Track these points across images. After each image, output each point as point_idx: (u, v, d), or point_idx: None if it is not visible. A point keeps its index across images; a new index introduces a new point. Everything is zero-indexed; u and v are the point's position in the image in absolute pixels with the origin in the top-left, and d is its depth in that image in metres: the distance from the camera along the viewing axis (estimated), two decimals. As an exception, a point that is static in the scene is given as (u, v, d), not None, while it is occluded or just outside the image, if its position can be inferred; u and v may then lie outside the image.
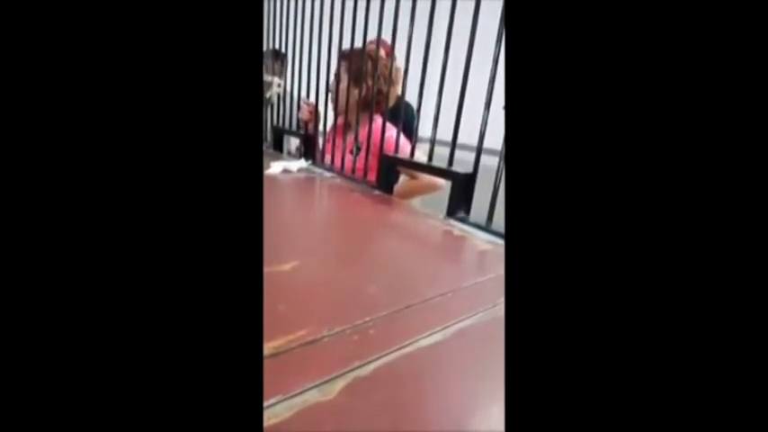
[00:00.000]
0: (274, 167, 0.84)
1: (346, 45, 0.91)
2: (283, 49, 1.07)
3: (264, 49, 1.22)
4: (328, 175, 0.88)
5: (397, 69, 0.86)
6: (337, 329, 0.28)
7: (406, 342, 0.28)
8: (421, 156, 0.76)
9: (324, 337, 0.27)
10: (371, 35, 0.84)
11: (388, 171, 0.78)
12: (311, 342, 0.26)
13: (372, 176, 0.83)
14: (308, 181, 0.83)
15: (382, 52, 0.87)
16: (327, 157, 0.99)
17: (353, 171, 0.90)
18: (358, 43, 0.90)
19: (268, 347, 0.25)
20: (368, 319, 0.30)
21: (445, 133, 0.66)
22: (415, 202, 1.01)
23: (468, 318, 0.32)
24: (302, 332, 0.27)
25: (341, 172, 0.90)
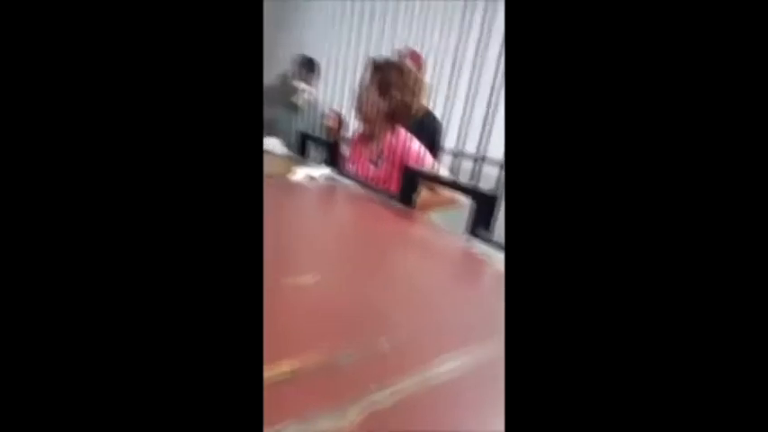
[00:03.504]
0: (298, 173, 0.84)
1: (371, 55, 0.91)
2: (315, 58, 1.08)
3: (296, 55, 1.24)
4: (350, 183, 0.88)
5: (425, 82, 0.86)
6: (355, 352, 0.27)
7: (426, 369, 0.27)
8: (444, 170, 0.76)
9: (341, 359, 0.26)
10: (402, 46, 0.84)
11: (410, 184, 0.77)
12: (327, 364, 0.26)
13: (393, 187, 0.82)
14: (330, 188, 0.83)
15: (412, 64, 0.87)
16: (350, 166, 0.99)
17: (374, 181, 0.90)
18: (386, 54, 0.90)
19: (282, 368, 0.25)
20: (387, 342, 0.29)
21: (471, 146, 0.65)
22: (435, 215, 1.00)
23: (490, 344, 0.31)
24: (319, 352, 0.26)
25: (362, 181, 0.90)
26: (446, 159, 0.72)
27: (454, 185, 0.67)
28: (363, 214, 0.69)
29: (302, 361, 0.25)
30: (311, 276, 0.38)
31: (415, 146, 0.79)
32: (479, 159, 0.64)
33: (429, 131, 0.84)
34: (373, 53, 0.91)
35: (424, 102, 0.95)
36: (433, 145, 0.90)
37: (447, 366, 0.28)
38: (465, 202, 0.68)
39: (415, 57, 0.87)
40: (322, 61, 1.03)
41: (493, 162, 0.62)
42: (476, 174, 0.64)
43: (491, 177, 0.62)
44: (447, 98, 0.70)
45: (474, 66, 0.63)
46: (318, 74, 1.14)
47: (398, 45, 0.83)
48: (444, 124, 0.72)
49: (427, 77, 0.83)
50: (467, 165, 0.67)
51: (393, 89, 0.97)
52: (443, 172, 0.74)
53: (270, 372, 0.24)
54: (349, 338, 0.29)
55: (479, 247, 0.56)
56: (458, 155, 0.69)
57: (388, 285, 0.40)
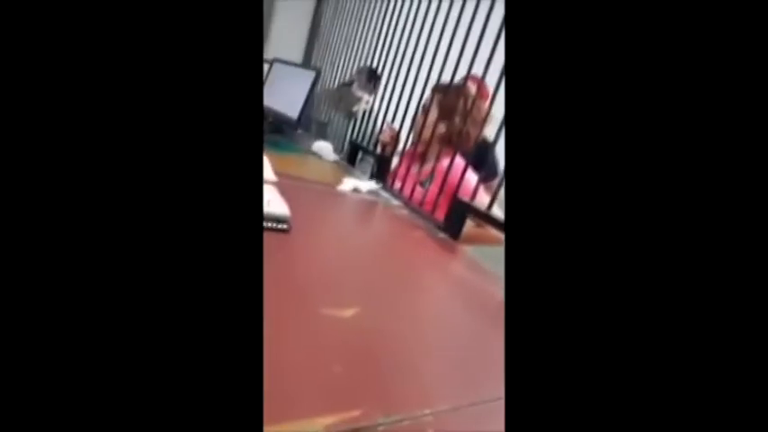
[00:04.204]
0: (346, 184, 0.84)
1: (440, 77, 0.90)
2: (380, 70, 1.08)
3: (362, 65, 1.25)
4: (395, 202, 0.87)
5: (490, 113, 0.83)
6: (393, 417, 0.25)
7: (468, 458, 0.24)
8: (499, 210, 0.72)
9: (378, 424, 0.24)
10: (471, 73, 0.81)
11: (459, 217, 0.74)
12: (364, 428, 0.23)
13: (440, 215, 0.79)
14: (375, 206, 0.81)
15: (478, 92, 0.84)
16: (395, 182, 0.97)
17: (419, 203, 0.87)
18: (453, 78, 0.88)
19: (319, 424, 0.23)
20: (427, 411, 0.26)
21: None
22: (478, 250, 0.96)
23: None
24: (356, 412, 0.24)
25: (406, 200, 0.87)
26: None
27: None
28: (408, 241, 0.67)
29: (337, 421, 0.23)
30: (350, 310, 0.36)
31: (472, 179, 0.76)
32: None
33: (486, 161, 0.81)
34: (438, 74, 0.89)
35: (486, 132, 0.92)
36: (489, 176, 0.86)
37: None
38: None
39: (482, 86, 0.85)
40: (386, 75, 1.02)
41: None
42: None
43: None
44: (500, 124, 0.68)
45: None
46: (379, 85, 1.13)
47: (464, 71, 0.80)
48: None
49: (494, 109, 0.80)
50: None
51: (455, 115, 0.94)
52: (497, 210, 0.70)
53: (302, 428, 0.22)
54: (387, 400, 0.26)
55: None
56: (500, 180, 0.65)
57: (432, 337, 0.38)
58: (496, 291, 0.54)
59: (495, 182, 0.82)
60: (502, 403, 0.30)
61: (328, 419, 0.23)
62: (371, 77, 1.30)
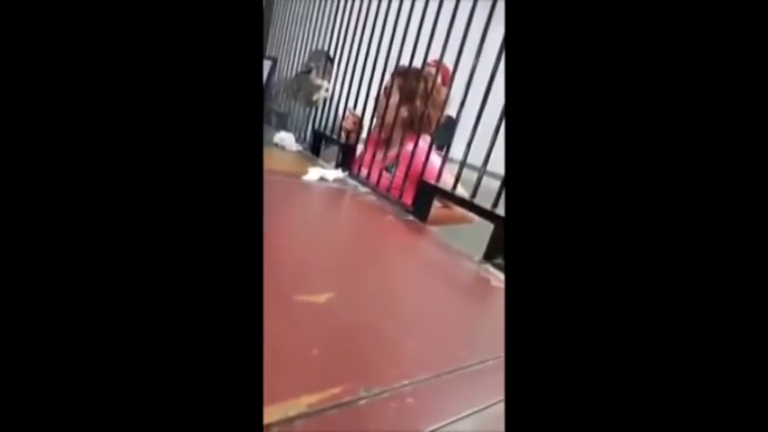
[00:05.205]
0: (311, 174, 0.83)
1: (398, 61, 0.90)
2: (336, 55, 1.06)
3: (316, 50, 1.22)
4: (363, 189, 0.87)
5: (450, 97, 0.85)
6: (374, 390, 0.26)
7: (448, 420, 0.25)
8: (462, 188, 0.74)
9: (360, 398, 0.25)
10: (423, 54, 0.82)
11: (426, 199, 0.75)
12: (347, 404, 0.24)
13: (407, 199, 0.81)
14: (343, 193, 0.81)
15: (439, 78, 0.85)
16: (364, 170, 0.97)
17: (385, 188, 0.88)
18: (411, 62, 0.88)
19: (302, 404, 0.23)
20: (406, 382, 0.27)
21: (486, 157, 0.64)
22: (447, 230, 0.98)
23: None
24: (337, 389, 0.25)
25: (373, 187, 0.88)
26: (469, 175, 0.70)
27: (475, 208, 0.65)
28: (377, 226, 0.68)
29: (320, 399, 0.24)
30: (324, 295, 0.36)
31: (436, 161, 0.78)
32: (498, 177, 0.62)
33: (452, 138, 0.83)
34: (397, 56, 0.88)
35: (449, 111, 0.94)
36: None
37: (474, 420, 0.26)
38: (478, 219, 0.66)
39: (444, 70, 0.86)
40: (345, 60, 1.01)
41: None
42: (498, 200, 0.62)
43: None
44: (460, 105, 0.70)
45: (491, 76, 0.61)
46: (332, 69, 1.12)
47: (423, 52, 0.81)
48: (470, 139, 0.70)
49: (453, 91, 0.81)
50: (471, 176, 0.67)
51: (417, 99, 0.95)
52: (461, 189, 0.72)
53: (285, 409, 0.22)
54: (366, 375, 0.27)
55: (497, 276, 0.54)
56: (482, 173, 0.67)
57: (405, 314, 0.39)
58: (465, 266, 0.56)
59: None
60: (477, 368, 0.32)
61: (311, 398, 0.23)
62: (328, 62, 1.27)
